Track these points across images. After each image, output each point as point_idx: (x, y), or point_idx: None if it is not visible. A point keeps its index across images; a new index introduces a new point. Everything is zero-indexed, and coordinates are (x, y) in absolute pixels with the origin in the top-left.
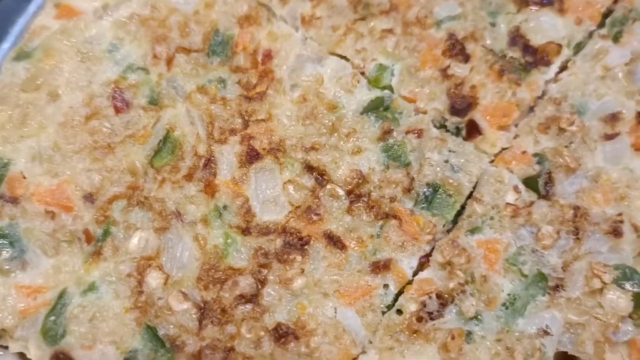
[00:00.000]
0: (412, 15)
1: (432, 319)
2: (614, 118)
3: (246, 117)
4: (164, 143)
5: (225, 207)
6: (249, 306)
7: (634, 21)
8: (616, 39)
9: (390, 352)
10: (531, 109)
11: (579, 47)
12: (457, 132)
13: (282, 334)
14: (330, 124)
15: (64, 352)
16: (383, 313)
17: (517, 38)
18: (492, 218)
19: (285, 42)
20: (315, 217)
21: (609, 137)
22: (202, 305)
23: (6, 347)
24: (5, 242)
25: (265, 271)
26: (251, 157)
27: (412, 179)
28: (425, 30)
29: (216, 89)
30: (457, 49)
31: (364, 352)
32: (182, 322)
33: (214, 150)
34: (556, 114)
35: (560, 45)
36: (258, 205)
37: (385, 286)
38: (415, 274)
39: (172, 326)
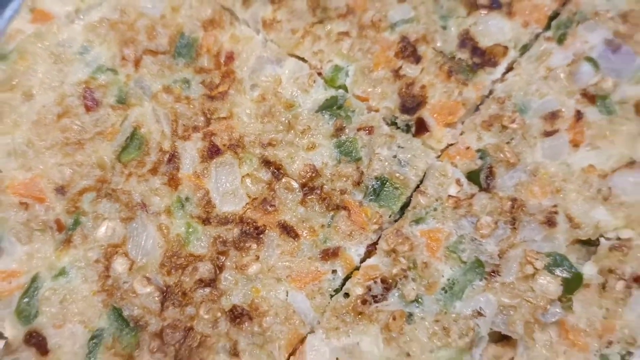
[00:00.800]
0: (368, 19)
1: (376, 301)
2: (553, 116)
3: (208, 115)
4: (131, 140)
5: (187, 198)
6: (207, 290)
7: (578, 23)
8: (560, 40)
9: (336, 331)
10: (477, 107)
11: (524, 49)
12: (407, 129)
13: (237, 315)
14: (286, 121)
15: (36, 330)
16: (331, 296)
17: (466, 40)
18: (435, 209)
19: (246, 45)
20: (270, 208)
21: (549, 134)
22: (164, 289)
23: None
24: None
25: (223, 258)
26: (212, 152)
27: (362, 172)
28: (380, 33)
29: (181, 89)
30: (409, 51)
31: (312, 331)
32: (146, 304)
33: (177, 146)
34: (499, 112)
35: (507, 47)
36: (218, 197)
37: (334, 272)
38: (362, 260)
39: (136, 308)
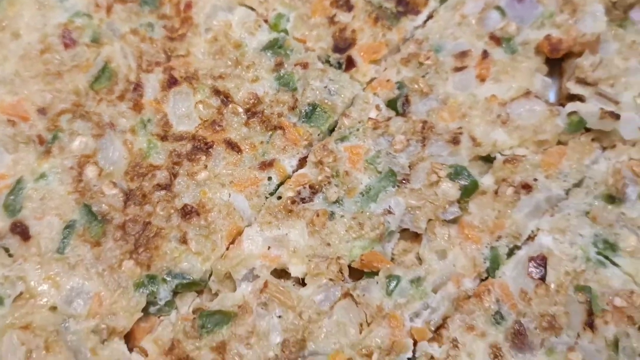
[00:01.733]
0: None
1: (303, 202)
2: (463, 55)
3: (169, 53)
4: (102, 72)
5: (149, 120)
6: (163, 192)
7: None
8: None
9: (269, 225)
10: (397, 48)
11: (443, 1)
12: (338, 65)
13: (187, 212)
14: (235, 58)
15: (20, 221)
16: (266, 198)
17: None
18: (357, 130)
19: None
20: (218, 128)
21: (459, 70)
22: (128, 191)
23: None
24: None
25: (177, 167)
26: (171, 83)
27: (297, 100)
28: None
29: (145, 32)
30: (342, 1)
31: (249, 225)
32: (112, 203)
33: (141, 78)
34: (417, 51)
35: None
36: (175, 119)
37: (269, 179)
38: (294, 171)
39: (103, 205)
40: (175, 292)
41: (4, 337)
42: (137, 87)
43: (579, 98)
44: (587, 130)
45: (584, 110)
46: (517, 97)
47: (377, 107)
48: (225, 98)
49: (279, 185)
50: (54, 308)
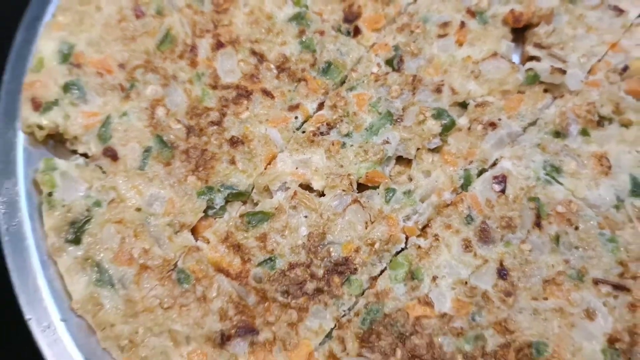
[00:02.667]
0: None
1: (322, 135)
2: (445, 25)
3: (215, 23)
4: (165, 37)
5: (202, 74)
6: (215, 127)
7: None
8: None
9: (296, 151)
10: (394, 19)
11: None
12: (347, 33)
13: (234, 141)
14: (267, 27)
15: (110, 147)
16: (294, 132)
17: None
18: (362, 81)
19: None
20: (256, 80)
21: (441, 37)
22: (189, 126)
23: (75, 152)
24: (74, 88)
25: (225, 109)
26: (218, 46)
27: (316, 59)
28: None
29: (197, 6)
30: None
31: (281, 151)
32: (177, 134)
33: (195, 42)
34: (409, 22)
35: None
36: (222, 73)
37: (296, 118)
38: (314, 112)
39: (171, 136)
40: (226, 200)
41: (103, 229)
42: (193, 48)
43: (536, 58)
44: (541, 82)
45: (538, 67)
46: (487, 57)
47: (378, 65)
48: (261, 57)
49: (303, 123)
50: (138, 209)
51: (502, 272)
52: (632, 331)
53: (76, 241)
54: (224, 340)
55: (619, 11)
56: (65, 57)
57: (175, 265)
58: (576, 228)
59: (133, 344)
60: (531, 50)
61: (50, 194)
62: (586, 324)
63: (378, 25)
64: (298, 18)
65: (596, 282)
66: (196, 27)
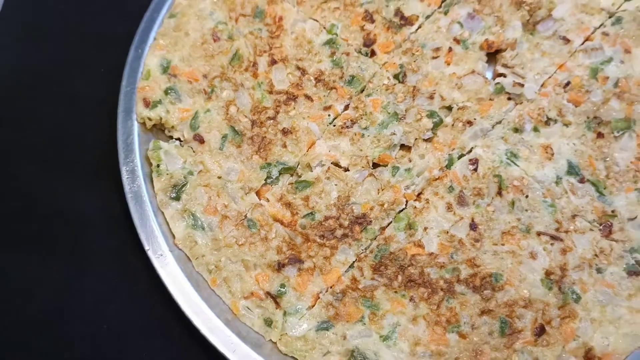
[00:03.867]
0: (349, 1)
1: (347, 128)
2: (437, 49)
3: (270, 46)
4: (234, 56)
5: (261, 82)
6: (271, 121)
7: (455, 4)
8: (446, 13)
9: (329, 139)
10: (400, 44)
11: (427, 17)
12: (366, 54)
13: (285, 131)
14: (308, 49)
15: (198, 133)
16: (327, 125)
17: (398, 12)
18: (377, 90)
19: (288, 12)
20: (300, 88)
21: (434, 58)
22: (252, 120)
23: (171, 137)
24: (172, 91)
25: (279, 108)
26: (273, 62)
27: (343, 73)
28: (355, 7)
29: (257, 33)
30: (368, 17)
31: (319, 139)
32: (245, 126)
33: (256, 59)
34: (411, 47)
35: (417, 16)
36: (275, 82)
37: (329, 115)
38: (342, 111)
39: (241, 126)
40: (280, 173)
41: (195, 190)
42: (254, 64)
43: (503, 75)
44: (506, 93)
45: (504, 82)
46: (467, 74)
47: (388, 78)
48: (303, 71)
49: (334, 119)
50: (219, 177)
51: (473, 226)
52: (562, 267)
53: (177, 198)
54: (280, 267)
55: (567, 40)
56: (165, 69)
57: (246, 216)
58: (526, 196)
59: (217, 268)
60: (500, 69)
61: (158, 166)
62: (530, 262)
63: (388, 49)
64: (330, 43)
65: (539, 233)
66: (257, 48)
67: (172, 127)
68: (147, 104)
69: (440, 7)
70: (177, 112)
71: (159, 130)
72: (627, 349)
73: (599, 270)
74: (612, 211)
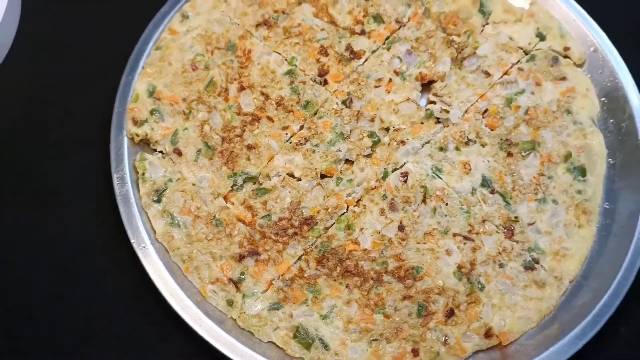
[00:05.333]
0: (307, 37)
1: (302, 145)
2: (380, 80)
3: (240, 74)
4: (209, 83)
5: (231, 105)
6: (238, 138)
7: (396, 41)
8: (388, 48)
9: (286, 154)
10: (348, 75)
11: (373, 52)
12: (320, 83)
13: (249, 147)
14: (271, 78)
15: (177, 147)
16: (285, 142)
17: (348, 47)
18: (327, 114)
19: (255, 47)
20: (263, 111)
21: (377, 87)
22: (222, 137)
23: (154, 150)
24: (157, 112)
25: (245, 127)
26: (241, 89)
27: (300, 99)
28: (312, 43)
29: (230, 63)
30: (323, 52)
31: (277, 153)
32: (216, 141)
33: (228, 86)
34: (357, 77)
35: (364, 51)
36: (244, 105)
37: (287, 134)
38: (298, 130)
39: (213, 142)
40: (244, 181)
41: (174, 194)
42: (226, 90)
43: (433, 102)
44: (435, 117)
45: (434, 108)
46: (403, 101)
47: (337, 104)
48: (266, 97)
49: (290, 137)
50: (194, 184)
51: (401, 227)
52: (471, 262)
53: (158, 201)
54: (241, 258)
55: (488, 74)
56: (151, 93)
57: (214, 216)
58: (446, 204)
59: (190, 259)
60: (431, 97)
61: (143, 174)
62: (446, 258)
63: (339, 79)
64: (290, 73)
65: (454, 234)
66: (228, 76)
67: (156, 141)
68: (136, 122)
69: (384, 43)
70: (160, 129)
71: (144, 144)
72: (521, 330)
73: (501, 265)
74: (515, 217)
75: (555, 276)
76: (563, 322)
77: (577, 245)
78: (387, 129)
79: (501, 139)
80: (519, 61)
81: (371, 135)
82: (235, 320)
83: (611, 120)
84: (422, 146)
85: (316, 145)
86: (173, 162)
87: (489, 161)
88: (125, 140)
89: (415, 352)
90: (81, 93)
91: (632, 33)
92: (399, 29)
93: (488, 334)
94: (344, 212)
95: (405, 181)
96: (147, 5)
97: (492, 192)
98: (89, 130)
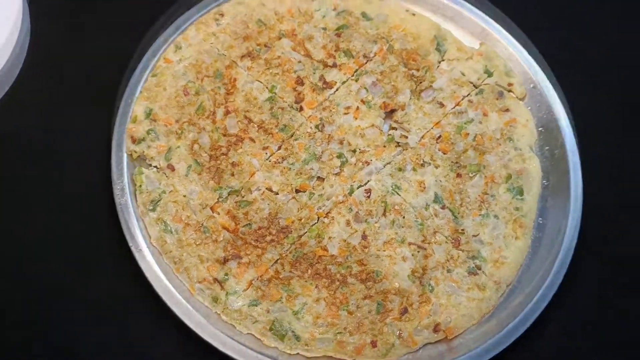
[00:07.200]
0: (285, 68)
1: (279, 163)
2: (348, 107)
3: (226, 100)
4: (199, 106)
5: (218, 127)
6: (224, 156)
7: (364, 74)
8: (356, 80)
9: (266, 171)
10: (321, 103)
11: (343, 83)
12: (296, 109)
13: (234, 164)
14: (253, 104)
15: (170, 164)
16: (265, 160)
17: (322, 78)
18: (302, 136)
19: (240, 75)
20: (246, 132)
21: (345, 114)
22: (210, 154)
23: (150, 165)
24: (152, 132)
25: (230, 147)
26: (227, 113)
27: (278, 122)
28: (290, 73)
29: (217, 90)
30: (300, 82)
31: (258, 170)
32: (204, 159)
33: (215, 110)
34: (329, 105)
35: (336, 82)
36: (229, 128)
37: (267, 153)
38: (276, 151)
39: (202, 159)
40: (228, 194)
41: (167, 204)
42: (214, 113)
43: (394, 128)
44: (396, 142)
45: (394, 133)
46: (368, 127)
47: (311, 128)
48: (249, 120)
49: (270, 156)
50: (185, 196)
51: (364, 237)
52: (424, 268)
53: (153, 210)
54: (225, 261)
55: (442, 105)
56: (148, 115)
57: (202, 224)
58: (403, 217)
59: (180, 261)
60: (392, 124)
61: (140, 186)
62: (402, 263)
63: (313, 106)
64: (270, 99)
65: (410, 244)
66: (216, 101)
67: (152, 158)
68: (134, 140)
69: (352, 75)
70: (155, 147)
71: (141, 159)
72: (464, 326)
73: (449, 271)
74: (462, 229)
75: (494, 281)
76: (500, 320)
77: (514, 254)
78: (354, 151)
79: (452, 162)
80: (469, 94)
81: (340, 156)
82: (219, 314)
83: (546, 148)
84: (384, 166)
85: (292, 164)
86: (167, 176)
87: (441, 181)
88: (125, 156)
89: (373, 343)
90: (85, 113)
91: (567, 71)
92: (366, 63)
93: (436, 329)
94: (315, 223)
95: (369, 197)
96: (144, 35)
97: (443, 207)
98: (92, 146)
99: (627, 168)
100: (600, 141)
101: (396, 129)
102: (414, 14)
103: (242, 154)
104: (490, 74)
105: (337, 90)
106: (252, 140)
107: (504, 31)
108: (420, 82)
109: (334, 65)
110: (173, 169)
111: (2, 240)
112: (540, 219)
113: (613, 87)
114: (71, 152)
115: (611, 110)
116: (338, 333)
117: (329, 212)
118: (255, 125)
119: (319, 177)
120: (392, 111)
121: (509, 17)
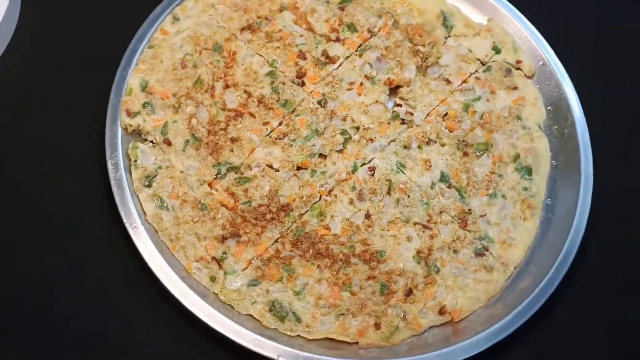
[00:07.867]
0: (287, 42)
1: (280, 139)
2: (352, 83)
3: (225, 73)
4: (197, 80)
5: (217, 102)
6: (223, 131)
7: (368, 49)
8: (360, 55)
9: (266, 146)
10: (324, 78)
11: (346, 58)
12: (298, 84)
13: (232, 139)
14: (254, 78)
15: (167, 138)
16: (265, 136)
17: (324, 53)
18: (304, 112)
19: (240, 48)
20: (246, 107)
21: (349, 90)
22: (209, 129)
23: (146, 139)
24: (148, 105)
25: (229, 122)
26: (226, 87)
27: (279, 97)
28: (291, 47)
29: (216, 63)
30: (302, 56)
31: (258, 146)
32: (202, 133)
33: (214, 84)
34: (332, 80)
35: (339, 57)
36: (228, 102)
37: (267, 129)
38: (277, 126)
39: (199, 134)
40: (227, 170)
41: (163, 180)
42: (212, 87)
43: (399, 105)
44: (401, 119)
45: (400, 110)
46: (372, 103)
47: (313, 103)
48: (249, 95)
49: (270, 132)
50: (182, 171)
51: (367, 216)
52: (429, 248)
53: (149, 186)
54: (223, 239)
55: (448, 82)
56: (144, 88)
57: (200, 201)
58: (408, 196)
59: (177, 238)
60: (397, 101)
61: (135, 161)
62: (407, 243)
63: (315, 81)
64: (271, 74)
65: (415, 223)
66: (214, 75)
67: (147, 132)
68: (129, 114)
69: (356, 50)
70: (151, 121)
71: (137, 134)
72: (471, 308)
73: (455, 251)
74: (469, 209)
75: (502, 262)
76: (507, 303)
77: (522, 235)
78: (358, 128)
79: (458, 140)
80: (476, 71)
81: (343, 132)
82: (217, 294)
83: (555, 127)
84: (389, 144)
85: (293, 140)
86: (163, 151)
87: (447, 159)
88: (119, 130)
89: (377, 325)
90: (78, 86)
91: (576, 49)
92: (370, 38)
93: (442, 311)
94: (317, 201)
95: (373, 175)
96: (141, 6)
97: (449, 186)
98: (85, 120)
99: (635, 148)
100: (607, 123)
101: (401, 106)
102: None
103: (242, 129)
104: (498, 51)
105: (340, 65)
106: (252, 115)
107: (512, 7)
108: (426, 58)
109: (337, 40)
110: (170, 144)
111: None
112: (549, 199)
113: (620, 68)
114: (63, 126)
115: (617, 92)
116: (340, 315)
117: (331, 190)
118: (256, 100)
119: (321, 154)
120: (397, 88)
121: None
